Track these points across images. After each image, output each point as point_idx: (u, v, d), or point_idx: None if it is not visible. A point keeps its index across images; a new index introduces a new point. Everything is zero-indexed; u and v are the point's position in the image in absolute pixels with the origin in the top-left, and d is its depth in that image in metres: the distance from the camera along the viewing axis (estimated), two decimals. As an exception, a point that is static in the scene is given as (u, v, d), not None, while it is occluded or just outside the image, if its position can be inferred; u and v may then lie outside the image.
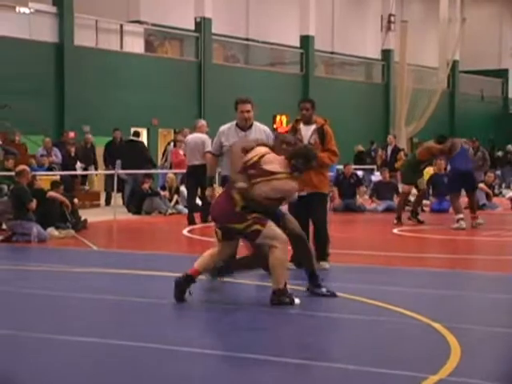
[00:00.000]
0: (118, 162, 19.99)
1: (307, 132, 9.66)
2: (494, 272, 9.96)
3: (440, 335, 6.24)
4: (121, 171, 18.74)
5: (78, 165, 21.33)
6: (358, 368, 5.36)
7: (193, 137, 15.95)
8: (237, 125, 9.24)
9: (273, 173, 7.33)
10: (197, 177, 15.04)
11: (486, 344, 6.21)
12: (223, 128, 9.44)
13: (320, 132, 9.65)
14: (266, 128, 9.39)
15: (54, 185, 14.73)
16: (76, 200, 15.61)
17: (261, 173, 7.32)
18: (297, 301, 7.39)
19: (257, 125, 9.28)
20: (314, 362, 5.54)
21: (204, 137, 15.56)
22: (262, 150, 7.52)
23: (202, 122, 16.30)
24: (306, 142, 9.53)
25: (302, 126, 9.72)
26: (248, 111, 9.09)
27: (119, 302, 7.74)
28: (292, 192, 7.55)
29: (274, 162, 7.40)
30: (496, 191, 23.38)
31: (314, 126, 9.68)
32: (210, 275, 8.12)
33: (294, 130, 9.68)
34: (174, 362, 5.54)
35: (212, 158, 9.64)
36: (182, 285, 7.47)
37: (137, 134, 20.85)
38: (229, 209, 7.40)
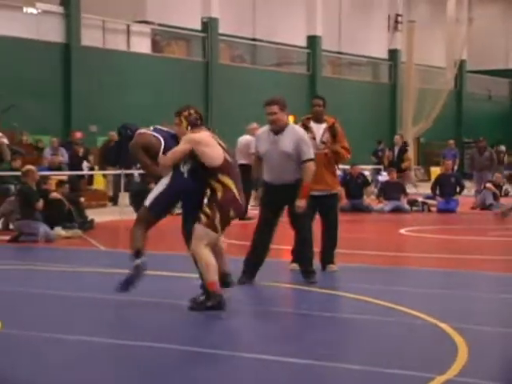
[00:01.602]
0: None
1: (319, 130, 9.55)
2: (502, 272, 9.94)
3: (447, 335, 6.24)
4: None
5: (85, 164, 21.34)
6: (364, 368, 5.36)
7: (242, 138, 17.30)
8: (270, 128, 8.80)
9: None
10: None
11: (494, 344, 6.20)
12: (259, 132, 9.21)
13: (332, 130, 9.61)
14: (299, 132, 8.77)
15: (58, 184, 14.75)
16: (82, 199, 15.64)
17: None
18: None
19: (290, 128, 8.69)
20: (320, 362, 5.54)
21: (250, 138, 16.07)
22: None
23: (254, 125, 16.85)
24: (318, 140, 9.46)
25: (312, 124, 9.61)
26: (273, 113, 8.53)
27: (128, 301, 7.73)
28: None
29: None
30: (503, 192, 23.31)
31: (324, 125, 9.60)
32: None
33: (305, 128, 9.50)
34: (189, 364, 5.55)
35: (256, 159, 9.17)
36: None
37: None
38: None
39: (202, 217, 7.16)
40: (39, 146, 22.34)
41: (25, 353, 5.78)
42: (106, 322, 6.93)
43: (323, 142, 9.49)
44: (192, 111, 7.73)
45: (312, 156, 8.64)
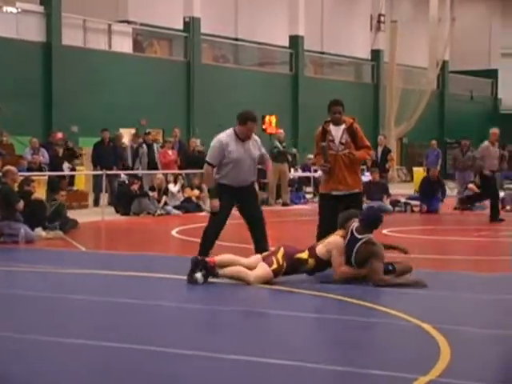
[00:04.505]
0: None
1: (337, 132, 9.87)
2: (484, 273, 9.98)
3: (430, 336, 6.26)
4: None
5: (65, 165, 21.26)
6: (347, 369, 5.37)
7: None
8: (237, 136, 9.51)
9: None
10: None
11: (476, 345, 6.22)
12: (224, 139, 9.52)
13: (350, 131, 9.82)
14: (256, 137, 9.84)
15: (25, 182, 14.55)
16: (62, 194, 15.60)
17: None
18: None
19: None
20: (302, 363, 5.54)
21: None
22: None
23: (495, 130, 17.23)
24: (337, 142, 9.83)
25: (331, 126, 9.87)
26: (253, 130, 9.62)
27: (110, 303, 7.72)
28: None
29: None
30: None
31: (343, 126, 9.86)
32: None
33: (325, 132, 9.85)
34: (169, 364, 5.54)
35: (211, 169, 9.58)
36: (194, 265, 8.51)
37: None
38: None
39: None
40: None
41: (10, 355, 5.75)
42: (87, 324, 6.90)
43: (342, 143, 9.83)
44: None
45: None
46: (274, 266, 8.53)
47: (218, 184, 9.57)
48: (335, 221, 9.03)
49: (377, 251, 8.60)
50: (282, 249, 8.68)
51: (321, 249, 8.70)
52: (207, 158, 9.59)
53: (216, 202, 9.44)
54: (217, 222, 9.58)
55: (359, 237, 8.62)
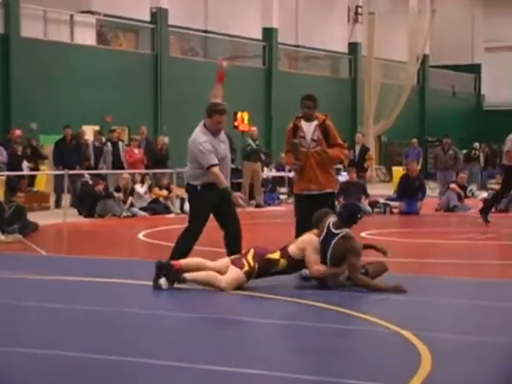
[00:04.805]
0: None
1: (309, 128, 9.87)
2: (466, 277, 10.04)
3: (410, 343, 6.29)
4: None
5: (25, 164, 21.13)
6: (324, 379, 5.38)
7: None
8: (210, 130, 9.42)
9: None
10: None
11: (458, 352, 6.26)
12: (207, 139, 9.39)
13: (323, 128, 9.84)
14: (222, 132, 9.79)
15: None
16: (19, 195, 15.51)
17: None
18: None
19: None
20: (279, 373, 5.54)
21: None
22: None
23: None
24: (308, 138, 9.82)
25: (303, 122, 9.90)
26: (223, 122, 9.49)
27: (72, 310, 7.68)
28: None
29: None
30: (468, 193, 23.51)
31: (315, 122, 9.88)
32: None
33: (296, 128, 9.87)
34: (138, 374, 5.53)
35: (218, 168, 9.39)
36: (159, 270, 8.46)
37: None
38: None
39: None
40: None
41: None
42: (46, 332, 6.86)
43: (314, 140, 9.82)
44: None
45: None
46: (246, 268, 8.53)
47: (206, 184, 9.34)
48: (307, 224, 9.06)
49: (354, 246, 8.61)
50: (251, 250, 8.69)
51: (293, 248, 8.72)
52: (208, 161, 9.24)
53: (240, 195, 9.46)
54: (197, 226, 9.41)
55: (336, 232, 8.64)
